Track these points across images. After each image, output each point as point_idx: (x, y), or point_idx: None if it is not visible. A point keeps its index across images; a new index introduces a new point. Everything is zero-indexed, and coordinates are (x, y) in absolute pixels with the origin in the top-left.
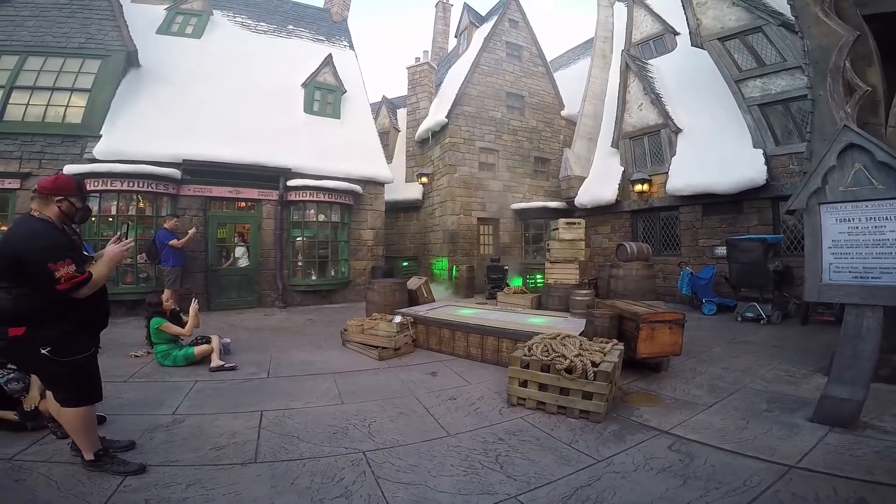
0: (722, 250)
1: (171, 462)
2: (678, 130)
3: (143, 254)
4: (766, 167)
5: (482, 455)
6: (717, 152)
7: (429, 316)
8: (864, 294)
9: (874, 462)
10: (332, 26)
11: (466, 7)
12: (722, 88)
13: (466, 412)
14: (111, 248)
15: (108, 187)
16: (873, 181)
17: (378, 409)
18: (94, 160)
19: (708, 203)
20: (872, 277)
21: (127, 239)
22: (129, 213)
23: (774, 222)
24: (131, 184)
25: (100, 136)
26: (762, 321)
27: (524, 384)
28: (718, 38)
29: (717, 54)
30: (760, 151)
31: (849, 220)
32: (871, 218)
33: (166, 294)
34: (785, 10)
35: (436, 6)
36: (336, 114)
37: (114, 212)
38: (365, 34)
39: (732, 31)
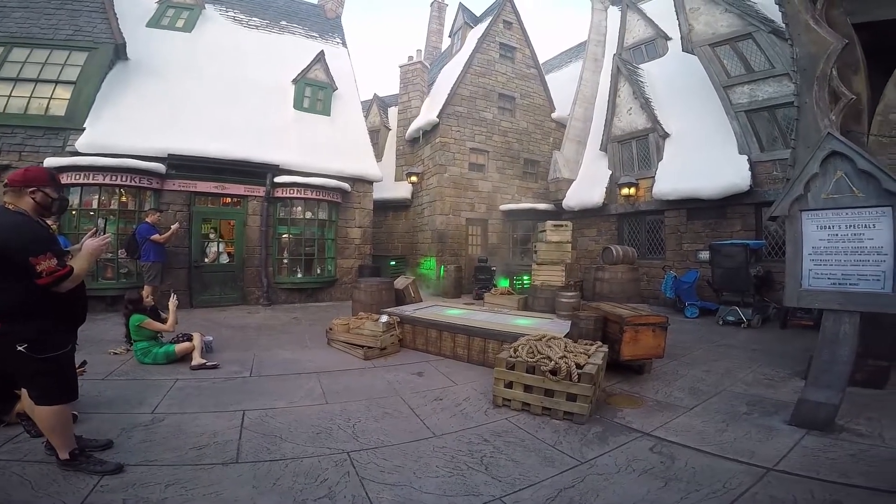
0: (705, 255)
1: (149, 461)
2: (666, 135)
3: (124, 248)
4: (750, 173)
5: (467, 456)
6: (703, 158)
7: (416, 316)
8: (842, 300)
9: (849, 465)
10: (325, 23)
11: (461, 7)
12: (711, 94)
13: (452, 413)
14: (90, 243)
15: (90, 181)
16: (854, 189)
17: (363, 409)
18: (76, 153)
19: (693, 208)
20: (850, 284)
21: (104, 234)
22: (111, 207)
23: (757, 228)
24: (114, 177)
25: (83, 129)
26: (743, 325)
27: (510, 385)
28: (709, 44)
29: (708, 60)
30: (745, 157)
31: (829, 228)
32: (850, 226)
33: (146, 290)
34: (776, 17)
35: (431, 5)
36: (326, 111)
37: (95, 205)
38: (358, 31)
39: (723, 37)
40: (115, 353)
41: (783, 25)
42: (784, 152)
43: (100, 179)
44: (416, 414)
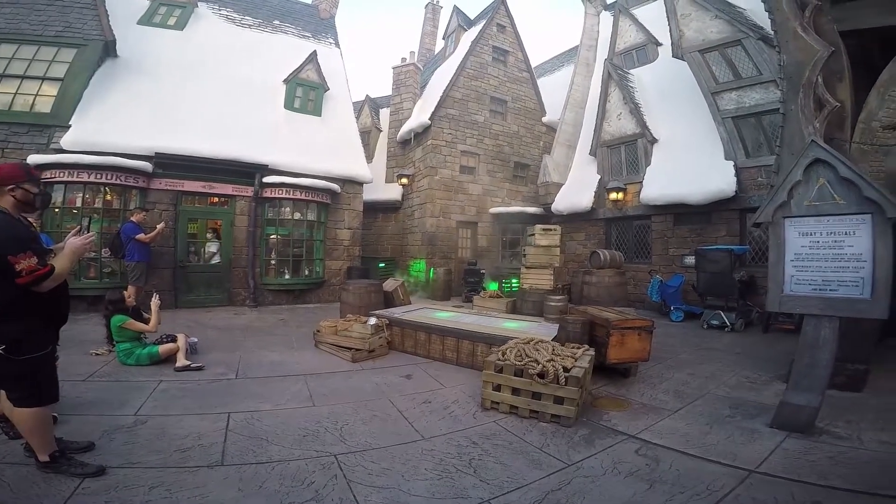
0: (691, 259)
1: (132, 464)
2: (654, 140)
3: (108, 248)
4: (735, 179)
5: (456, 459)
6: (690, 163)
7: (404, 318)
8: (823, 305)
9: (828, 467)
10: (319, 23)
11: (456, 10)
12: (699, 100)
13: (441, 416)
14: (73, 241)
15: (75, 178)
16: (835, 196)
17: (351, 411)
18: (60, 150)
19: (679, 213)
20: (830, 290)
21: (88, 232)
22: (96, 205)
23: (741, 233)
24: (99, 176)
25: (69, 127)
26: (726, 328)
27: (498, 388)
28: (699, 50)
29: (697, 66)
30: (731, 163)
31: (811, 234)
32: (831, 233)
33: (130, 290)
34: (765, 23)
35: (425, 7)
36: (317, 111)
37: (79, 204)
38: (352, 32)
39: (713, 43)
40: (97, 354)
41: (772, 32)
42: (769, 158)
43: (84, 177)
44: (405, 416)
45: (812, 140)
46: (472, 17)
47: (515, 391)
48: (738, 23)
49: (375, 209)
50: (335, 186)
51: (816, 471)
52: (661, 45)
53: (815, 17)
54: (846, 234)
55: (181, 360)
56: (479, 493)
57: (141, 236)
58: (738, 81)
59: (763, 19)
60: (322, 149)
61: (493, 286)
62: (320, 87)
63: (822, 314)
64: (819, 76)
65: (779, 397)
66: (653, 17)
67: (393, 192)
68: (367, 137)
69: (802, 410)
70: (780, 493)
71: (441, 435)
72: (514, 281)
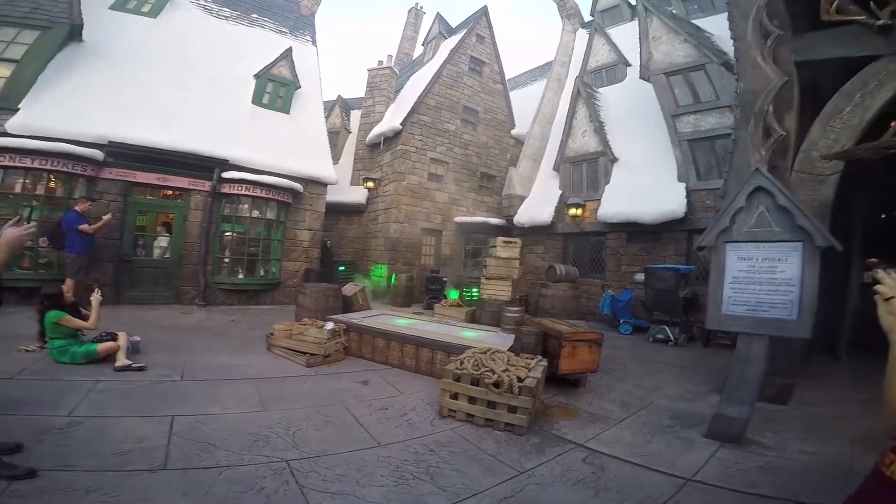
0: (641, 276)
1: (66, 467)
2: (615, 160)
3: (46, 237)
4: (686, 201)
5: (413, 466)
6: (646, 183)
7: (363, 324)
8: (755, 325)
9: (757, 476)
10: (298, 19)
11: (439, 17)
12: (660, 121)
13: (398, 423)
14: (9, 232)
15: (16, 164)
16: (772, 224)
17: (304, 417)
18: (5, 134)
19: (633, 231)
20: (762, 311)
21: (28, 223)
22: (37, 192)
23: (688, 253)
24: (43, 162)
25: (17, 110)
26: (670, 343)
27: (455, 397)
28: (664, 73)
29: (661, 88)
30: (683, 185)
31: (748, 259)
32: (766, 258)
33: (68, 284)
34: (730, 49)
35: (408, 12)
36: (286, 108)
37: (18, 190)
38: (330, 31)
39: (679, 66)
40: (28, 351)
41: (734, 59)
42: (717, 182)
43: (27, 163)
44: (361, 423)
45: (756, 168)
46: (453, 26)
47: (472, 400)
48: (705, 47)
49: (338, 211)
50: (298, 186)
51: (747, 479)
52: (630, 65)
53: (775, 47)
54: (779, 259)
55: (121, 360)
56: (435, 499)
57: (84, 227)
58: (697, 105)
59: (728, 45)
60: (287, 147)
61: (454, 294)
62: (291, 85)
63: (753, 332)
64: (770, 105)
65: (714, 409)
66: (626, 38)
67: (358, 194)
68: (336, 138)
69: (734, 422)
70: (713, 500)
71: (398, 442)
72: (474, 290)
